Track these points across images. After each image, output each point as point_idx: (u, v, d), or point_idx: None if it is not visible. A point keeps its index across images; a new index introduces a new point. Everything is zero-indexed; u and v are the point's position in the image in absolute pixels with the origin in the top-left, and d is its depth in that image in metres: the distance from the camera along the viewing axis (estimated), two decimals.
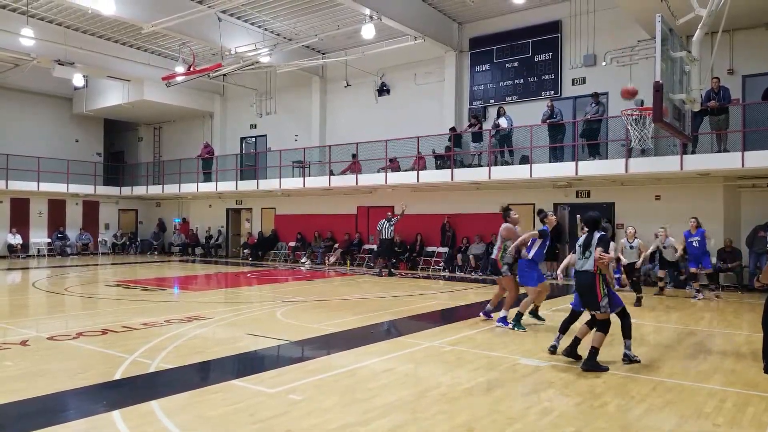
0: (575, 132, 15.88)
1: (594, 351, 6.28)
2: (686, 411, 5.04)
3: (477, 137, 18.01)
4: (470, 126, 18.28)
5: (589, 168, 15.26)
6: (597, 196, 16.89)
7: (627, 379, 6.07)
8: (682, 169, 13.77)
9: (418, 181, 18.28)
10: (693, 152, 13.88)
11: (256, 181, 22.90)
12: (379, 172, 19.42)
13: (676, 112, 8.71)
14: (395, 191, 20.30)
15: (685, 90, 8.73)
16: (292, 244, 23.28)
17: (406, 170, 18.95)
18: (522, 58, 18.57)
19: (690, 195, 15.24)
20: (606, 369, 6.25)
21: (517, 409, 5.03)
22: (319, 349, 7.53)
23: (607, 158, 15.53)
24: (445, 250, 19.05)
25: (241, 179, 23.59)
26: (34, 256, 24.97)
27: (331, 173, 20.60)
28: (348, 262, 21.06)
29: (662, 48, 7.79)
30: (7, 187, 23.55)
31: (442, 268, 18.86)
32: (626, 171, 14.51)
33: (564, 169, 15.67)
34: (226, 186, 23.80)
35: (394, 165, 19.20)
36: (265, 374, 6.16)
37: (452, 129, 18.59)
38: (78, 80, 21.73)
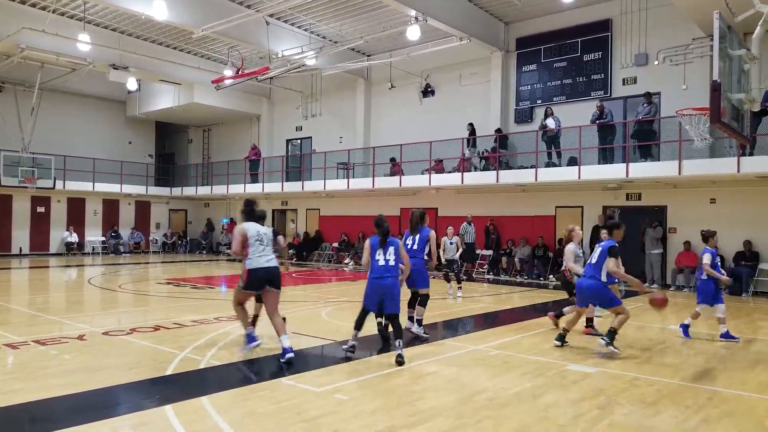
0: (626, 133, 15.46)
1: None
2: (746, 424, 4.83)
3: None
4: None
5: (641, 170, 14.81)
6: (648, 199, 16.41)
7: (682, 387, 5.86)
8: (739, 171, 13.22)
9: (462, 182, 18.11)
10: (751, 154, 13.31)
11: (301, 182, 23.21)
12: (422, 173, 19.36)
13: (735, 112, 8.36)
14: (439, 193, 20.20)
15: (744, 89, 8.38)
16: (336, 245, 23.46)
17: (449, 172, 18.83)
18: (570, 57, 18.20)
19: (747, 198, 14.67)
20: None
21: (567, 417, 4.91)
22: (363, 350, 7.55)
23: (659, 160, 15.06)
24: (490, 252, 18.81)
25: (287, 181, 23.98)
26: (89, 253, 25.97)
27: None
28: None
29: (720, 46, 7.49)
30: (64, 187, 24.59)
31: (486, 271, 18.63)
32: (679, 173, 14.01)
33: (614, 171, 15.25)
34: (273, 187, 24.22)
35: (438, 167, 19.10)
36: (310, 373, 6.22)
37: (498, 130, 18.38)
38: (132, 84, 22.49)
